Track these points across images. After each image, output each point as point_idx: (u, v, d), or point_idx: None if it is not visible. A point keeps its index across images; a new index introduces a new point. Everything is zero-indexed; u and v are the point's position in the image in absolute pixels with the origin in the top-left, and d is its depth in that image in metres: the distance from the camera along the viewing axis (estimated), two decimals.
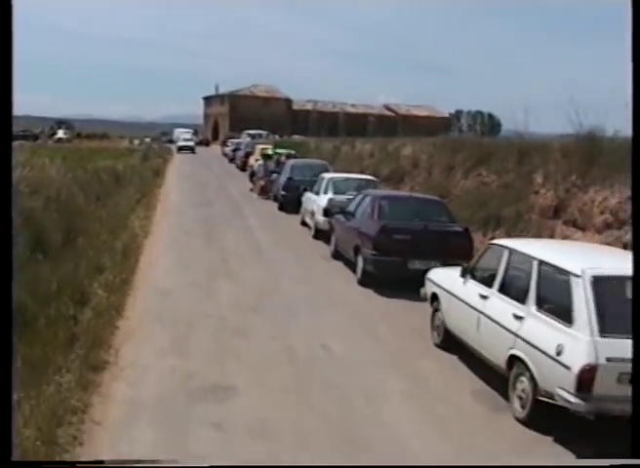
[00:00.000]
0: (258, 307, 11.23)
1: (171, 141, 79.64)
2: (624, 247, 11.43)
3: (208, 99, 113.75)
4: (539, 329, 7.06)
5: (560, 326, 6.78)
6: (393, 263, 12.16)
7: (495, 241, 9.39)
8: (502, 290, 7.96)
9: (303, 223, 20.09)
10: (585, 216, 13.16)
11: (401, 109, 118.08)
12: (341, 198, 16.86)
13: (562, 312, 6.87)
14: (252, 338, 9.65)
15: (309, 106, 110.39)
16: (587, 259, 7.40)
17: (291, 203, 22.07)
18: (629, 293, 6.40)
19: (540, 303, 7.23)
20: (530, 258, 7.58)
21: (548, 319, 7.02)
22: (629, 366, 6.13)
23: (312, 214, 18.51)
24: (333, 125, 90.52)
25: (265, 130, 71.80)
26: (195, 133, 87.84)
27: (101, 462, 4.67)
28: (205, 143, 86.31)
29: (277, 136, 64.37)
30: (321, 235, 17.50)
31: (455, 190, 18.93)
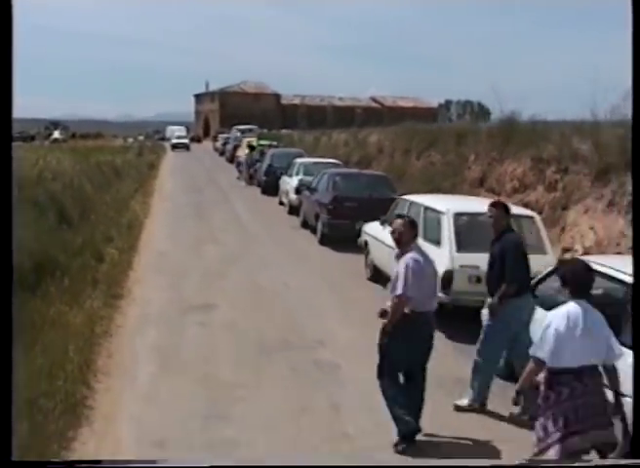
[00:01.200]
0: (236, 261, 14.39)
1: (163, 139, 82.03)
2: (525, 205, 14.61)
3: (198, 97, 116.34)
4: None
5: (435, 248, 9.92)
6: (344, 225, 15.28)
7: (401, 196, 12.54)
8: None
9: (281, 203, 23.22)
10: (500, 184, 16.35)
11: (387, 101, 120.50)
12: (310, 179, 19.94)
13: (435, 239, 10.04)
14: (230, 279, 12.82)
15: (297, 101, 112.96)
16: (454, 204, 10.60)
17: (271, 186, 25.21)
18: (479, 224, 9.56)
19: (426, 235, 10.36)
20: (419, 205, 10.76)
21: (429, 245, 10.16)
22: (477, 270, 9.34)
23: (287, 193, 21.65)
24: (321, 118, 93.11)
25: (255, 125, 73.83)
26: (187, 130, 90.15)
27: (99, 462, 4.64)
28: (197, 140, 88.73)
29: (266, 131, 66.71)
30: (294, 211, 20.59)
31: (410, 170, 22.06)
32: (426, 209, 10.56)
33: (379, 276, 12.37)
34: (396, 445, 6.25)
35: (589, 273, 5.15)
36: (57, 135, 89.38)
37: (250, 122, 78.47)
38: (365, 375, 7.20)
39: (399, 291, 6.26)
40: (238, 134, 57.18)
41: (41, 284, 10.65)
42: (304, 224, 18.58)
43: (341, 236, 15.48)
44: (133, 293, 11.71)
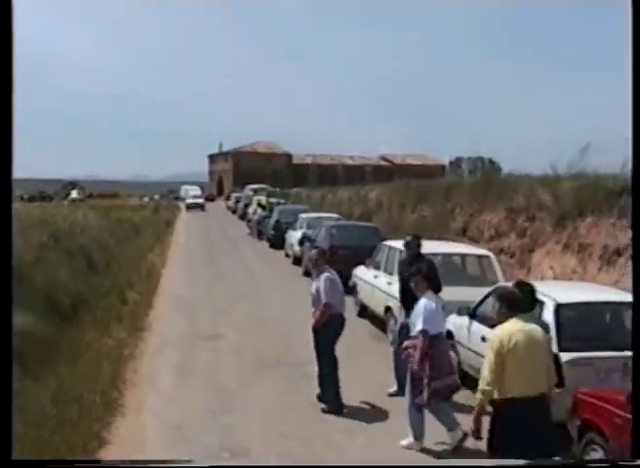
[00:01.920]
0: (241, 300, 16.36)
1: (177, 198, 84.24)
2: (500, 250, 16.58)
3: (212, 157, 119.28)
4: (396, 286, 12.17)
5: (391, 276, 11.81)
6: (338, 271, 17.18)
7: (382, 243, 14.49)
8: (385, 269, 13.06)
9: (287, 255, 25.19)
10: (479, 232, 18.30)
11: (397, 159, 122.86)
12: (312, 232, 21.95)
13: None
14: (236, 314, 14.77)
15: (309, 160, 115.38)
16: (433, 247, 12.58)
17: (278, 240, 27.22)
18: (450, 262, 11.51)
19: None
20: (394, 248, 12.72)
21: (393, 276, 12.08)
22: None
23: (291, 245, 23.66)
24: (332, 177, 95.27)
25: (267, 184, 75.66)
26: (202, 189, 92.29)
27: (98, 462, 4.60)
28: (210, 199, 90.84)
29: (278, 190, 68.70)
30: (297, 261, 22.53)
31: (405, 222, 24.04)
32: (399, 250, 12.53)
33: (364, 312, 14.27)
34: (328, 411, 8.87)
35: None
36: (74, 194, 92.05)
37: (262, 181, 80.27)
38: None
39: (324, 300, 8.88)
40: (250, 192, 59.43)
41: (77, 316, 12.66)
42: (306, 273, 20.45)
43: None
44: (153, 327, 13.63)
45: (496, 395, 5.69)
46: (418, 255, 9.89)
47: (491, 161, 44.72)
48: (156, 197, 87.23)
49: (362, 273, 14.31)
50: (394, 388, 9.39)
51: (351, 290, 15.18)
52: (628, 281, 11.76)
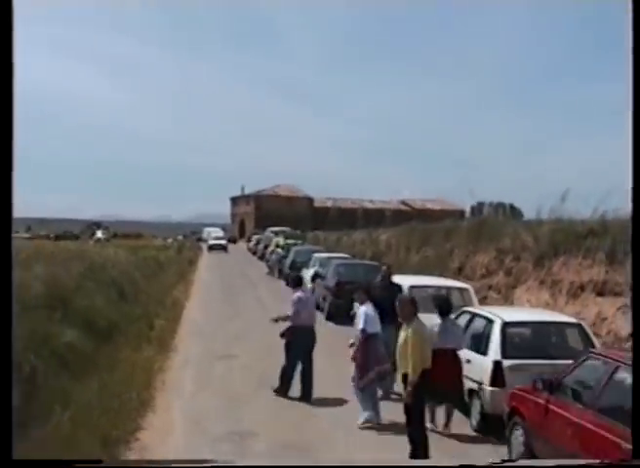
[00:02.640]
0: (254, 330, 18.26)
1: (200, 240, 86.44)
2: (489, 287, 18.46)
3: (234, 200, 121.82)
4: None
5: None
6: (344, 304, 19.13)
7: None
8: None
9: None
10: (473, 271, 20.20)
11: (416, 204, 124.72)
12: (323, 269, 23.96)
13: None
14: (249, 340, 16.69)
15: (329, 204, 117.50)
16: (414, 281, 14.53)
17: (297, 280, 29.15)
18: (421, 292, 13.46)
19: None
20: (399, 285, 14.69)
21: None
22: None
23: (304, 282, 25.63)
24: (352, 220, 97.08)
25: (288, 227, 77.01)
26: (224, 231, 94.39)
27: (98, 462, 4.76)
28: (232, 241, 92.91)
29: (298, 232, 70.47)
30: None
31: (410, 262, 25.97)
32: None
33: None
34: (276, 390, 11.71)
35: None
36: (100, 234, 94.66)
37: (283, 224, 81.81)
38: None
39: (288, 313, 11.91)
40: (270, 234, 61.47)
41: (112, 337, 14.70)
42: (317, 306, 22.41)
43: (343, 312, 19.29)
44: (177, 348, 15.63)
45: (411, 370, 8.19)
46: (390, 282, 12.17)
47: (512, 207, 46.15)
48: (179, 238, 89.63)
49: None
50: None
51: (352, 318, 17.09)
52: (589, 311, 13.70)
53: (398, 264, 25.41)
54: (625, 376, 6.63)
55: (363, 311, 10.40)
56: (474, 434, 9.90)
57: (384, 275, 13.45)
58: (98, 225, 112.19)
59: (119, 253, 26.08)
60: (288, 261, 31.34)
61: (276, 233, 66.12)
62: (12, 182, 4.15)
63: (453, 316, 10.77)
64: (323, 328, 19.17)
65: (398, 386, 9.83)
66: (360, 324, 10.25)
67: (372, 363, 10.07)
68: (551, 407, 7.57)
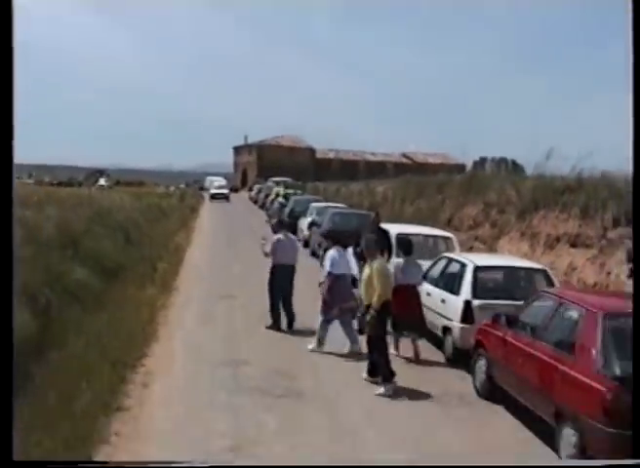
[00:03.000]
0: (253, 272, 19.33)
1: (202, 189, 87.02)
2: (475, 238, 19.45)
3: (237, 149, 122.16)
4: None
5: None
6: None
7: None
8: None
9: (299, 239, 28.15)
10: (461, 223, 21.20)
11: (418, 157, 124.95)
12: (319, 218, 24.92)
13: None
14: (248, 281, 17.75)
15: (332, 155, 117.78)
16: (402, 229, 15.52)
17: (292, 226, 30.19)
18: (418, 241, 14.46)
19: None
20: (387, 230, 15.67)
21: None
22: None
23: (302, 230, 26.65)
24: (353, 172, 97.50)
25: (290, 177, 77.29)
26: (226, 180, 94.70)
27: (99, 463, 4.75)
28: (234, 190, 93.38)
29: (298, 183, 70.94)
30: (307, 244, 25.50)
31: (404, 214, 26.95)
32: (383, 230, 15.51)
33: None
34: (268, 327, 12.87)
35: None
36: (102, 182, 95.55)
37: (285, 174, 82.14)
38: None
39: (267, 251, 13.19)
40: (272, 184, 62.17)
41: (119, 276, 15.78)
42: (313, 253, 23.47)
43: None
44: (179, 289, 16.69)
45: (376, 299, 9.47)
46: (378, 227, 13.21)
47: (514, 162, 46.83)
48: (182, 186, 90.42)
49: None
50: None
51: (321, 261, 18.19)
52: (562, 261, 14.74)
53: (393, 215, 26.38)
54: (567, 311, 7.68)
55: (330, 255, 11.66)
56: (446, 364, 11.05)
57: (373, 221, 15.09)
58: (101, 172, 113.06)
59: (124, 200, 27.10)
60: (287, 210, 32.29)
61: (277, 183, 66.90)
62: (12, 183, 4.00)
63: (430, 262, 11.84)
64: (318, 272, 20.33)
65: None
66: (327, 267, 11.55)
67: (336, 301, 11.27)
68: (508, 339, 8.63)
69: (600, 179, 15.89)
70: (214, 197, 63.95)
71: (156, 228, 26.84)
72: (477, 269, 10.82)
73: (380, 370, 9.55)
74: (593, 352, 6.88)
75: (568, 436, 7.01)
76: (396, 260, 11.98)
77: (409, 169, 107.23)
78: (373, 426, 8.26)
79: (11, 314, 4.13)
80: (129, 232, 20.80)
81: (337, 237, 18.75)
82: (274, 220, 14.93)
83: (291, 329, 13.01)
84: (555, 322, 7.86)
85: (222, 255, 23.02)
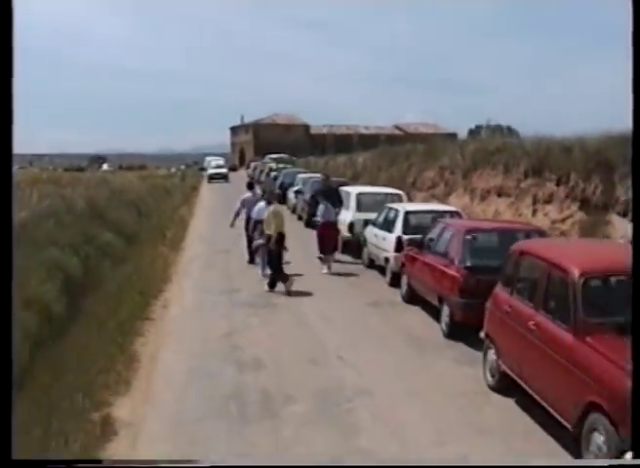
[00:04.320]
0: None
1: (202, 169, 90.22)
2: (432, 196, 23.10)
3: (234, 129, 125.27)
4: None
5: (345, 210, 18.47)
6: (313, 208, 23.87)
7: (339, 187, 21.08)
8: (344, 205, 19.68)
9: (288, 208, 31.87)
10: (422, 184, 24.86)
11: (409, 128, 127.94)
12: (304, 187, 28.56)
13: (347, 205, 18.62)
14: (242, 243, 21.47)
15: (326, 130, 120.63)
16: (359, 189, 19.19)
17: (282, 197, 33.88)
18: (370, 198, 18.17)
19: (345, 204, 18.91)
20: (346, 191, 19.30)
21: (344, 210, 18.73)
22: (366, 218, 17.82)
23: (290, 199, 30.34)
24: (347, 146, 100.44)
25: (286, 153, 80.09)
26: (225, 160, 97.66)
27: (99, 462, 4.87)
28: (233, 169, 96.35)
29: (294, 158, 73.89)
30: (294, 211, 29.16)
31: (379, 179, 30.58)
32: (346, 192, 19.13)
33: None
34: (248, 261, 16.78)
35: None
36: (106, 167, 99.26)
37: (281, 151, 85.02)
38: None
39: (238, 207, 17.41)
40: (267, 161, 65.48)
41: (136, 240, 19.52)
42: (300, 218, 27.16)
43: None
44: (185, 249, 20.44)
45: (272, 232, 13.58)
46: (328, 187, 16.88)
47: (509, 128, 49.81)
48: (182, 167, 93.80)
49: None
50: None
51: None
52: (491, 208, 18.42)
53: (370, 181, 30.02)
54: (446, 231, 11.40)
55: (257, 207, 16.11)
56: (387, 286, 14.79)
57: (324, 181, 19.41)
58: (103, 159, 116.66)
59: (132, 181, 30.85)
60: (278, 182, 35.94)
61: (274, 159, 70.26)
62: (11, 179, 3.90)
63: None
64: (302, 232, 24.07)
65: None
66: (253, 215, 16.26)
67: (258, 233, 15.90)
68: (417, 257, 12.36)
69: (516, 141, 19.69)
70: (212, 178, 61.60)
71: (162, 204, 30.58)
72: (407, 213, 14.56)
73: (278, 278, 14.13)
74: (455, 254, 10.63)
75: (444, 311, 10.77)
76: (321, 206, 16.79)
77: (401, 140, 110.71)
78: (323, 320, 12.04)
79: (10, 314, 3.96)
80: (140, 207, 24.55)
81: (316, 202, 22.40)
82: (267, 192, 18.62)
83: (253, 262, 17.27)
84: (441, 240, 11.59)
85: (220, 223, 26.61)
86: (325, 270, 16.22)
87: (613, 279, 7.28)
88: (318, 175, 31.51)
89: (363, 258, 16.99)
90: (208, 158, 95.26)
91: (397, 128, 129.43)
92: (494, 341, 8.40)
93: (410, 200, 20.93)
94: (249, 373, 9.23)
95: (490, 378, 8.54)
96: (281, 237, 14.45)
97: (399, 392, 8.57)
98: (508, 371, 8.00)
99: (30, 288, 10.59)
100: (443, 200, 22.29)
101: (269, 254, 14.64)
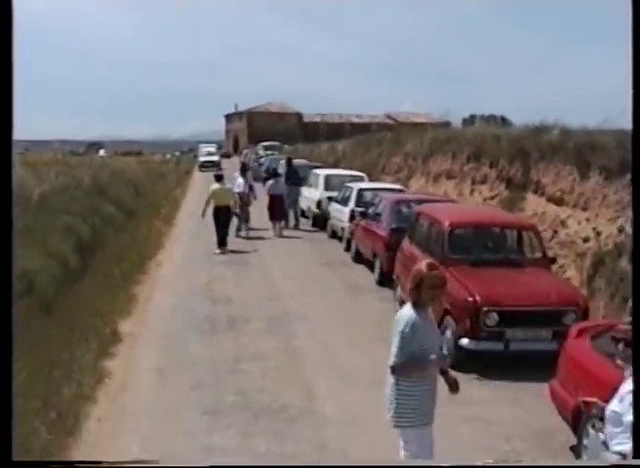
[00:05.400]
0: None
1: (196, 156, 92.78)
2: (397, 180, 26.05)
3: (228, 117, 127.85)
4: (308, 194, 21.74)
5: (314, 189, 21.44)
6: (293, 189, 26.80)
7: (311, 170, 23.99)
8: (313, 185, 22.61)
9: None
10: (390, 169, 27.80)
11: (400, 117, 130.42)
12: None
13: (316, 185, 21.59)
14: None
15: (318, 119, 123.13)
16: (327, 171, 22.18)
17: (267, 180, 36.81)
18: (336, 178, 21.15)
19: (311, 184, 21.84)
20: (316, 173, 22.25)
21: (313, 188, 21.66)
22: (331, 195, 20.76)
23: None
24: (339, 134, 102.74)
25: (278, 141, 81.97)
26: (219, 147, 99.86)
27: (99, 462, 4.66)
28: (227, 156, 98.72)
29: (279, 145, 76.02)
30: None
31: (355, 164, 33.46)
32: (315, 174, 22.07)
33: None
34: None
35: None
36: (102, 153, 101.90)
37: (274, 139, 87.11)
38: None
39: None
40: (258, 148, 68.27)
41: (134, 214, 22.47)
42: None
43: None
44: (177, 224, 23.37)
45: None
46: (290, 168, 19.91)
47: (502, 118, 50.90)
48: (177, 153, 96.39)
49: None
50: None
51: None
52: (440, 189, 21.36)
53: (348, 166, 32.94)
54: (381, 202, 14.35)
55: (238, 182, 19.47)
56: (342, 251, 17.74)
57: (287, 163, 23.08)
58: (99, 145, 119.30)
59: (130, 164, 33.79)
60: (264, 167, 38.91)
61: (265, 147, 72.98)
62: (11, 176, 3.74)
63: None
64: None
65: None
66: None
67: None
68: (361, 224, 15.33)
69: (464, 130, 22.78)
70: (203, 166, 56.55)
71: (157, 186, 33.54)
72: (360, 190, 17.54)
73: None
74: (385, 219, 13.61)
75: (377, 264, 13.78)
76: (271, 181, 20.82)
77: (392, 129, 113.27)
78: (283, 274, 15.04)
79: (10, 314, 3.89)
80: (137, 187, 27.47)
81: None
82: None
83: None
84: (377, 209, 14.56)
85: None
86: (273, 233, 19.93)
87: (470, 229, 10.28)
88: (301, 160, 34.60)
89: (327, 230, 19.97)
90: (201, 145, 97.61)
91: (389, 117, 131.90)
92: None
93: (376, 181, 23.82)
94: (220, 306, 12.22)
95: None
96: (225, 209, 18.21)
97: (329, 318, 11.59)
98: None
99: (52, 244, 13.52)
100: (405, 182, 25.21)
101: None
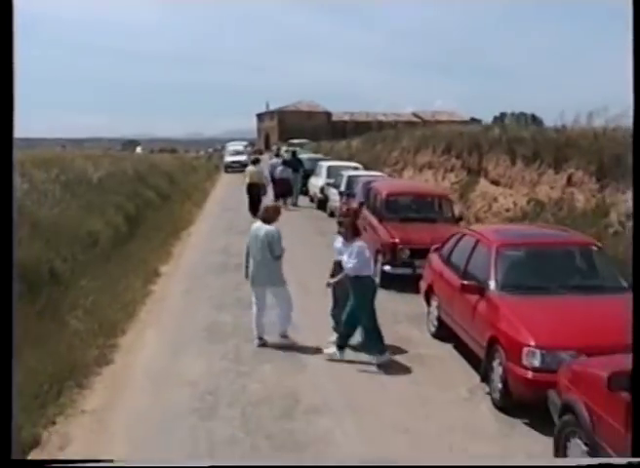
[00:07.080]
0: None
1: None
2: (394, 171, 30.35)
3: (260, 116, 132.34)
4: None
5: (318, 177, 25.82)
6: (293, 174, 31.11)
7: (319, 162, 28.32)
8: (313, 175, 26.98)
9: None
10: (390, 161, 32.06)
11: (426, 115, 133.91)
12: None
13: (319, 174, 25.98)
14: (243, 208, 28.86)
15: (346, 117, 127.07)
16: (329, 162, 26.56)
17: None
18: (345, 172, 25.53)
19: (315, 173, 26.23)
20: (321, 165, 26.61)
21: (317, 176, 26.04)
22: (333, 185, 25.21)
23: None
24: (366, 132, 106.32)
25: (308, 139, 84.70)
26: (251, 145, 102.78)
27: (98, 461, 4.91)
28: (259, 153, 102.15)
29: (315, 144, 79.06)
30: None
31: (364, 158, 37.78)
32: (320, 165, 26.44)
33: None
34: None
35: None
36: (139, 150, 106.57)
37: (304, 137, 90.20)
38: None
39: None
40: (286, 146, 72.11)
41: (169, 199, 27.03)
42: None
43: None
44: (205, 207, 27.88)
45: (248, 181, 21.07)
46: (294, 157, 24.43)
47: (533, 116, 52.16)
48: (210, 150, 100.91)
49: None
50: None
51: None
52: (424, 178, 25.65)
53: (359, 160, 37.27)
54: (357, 184, 18.65)
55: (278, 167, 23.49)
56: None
57: (292, 154, 28.26)
58: (136, 143, 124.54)
59: (165, 158, 38.48)
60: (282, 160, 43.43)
61: (291, 144, 76.67)
62: (12, 174, 3.85)
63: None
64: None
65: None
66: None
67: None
68: (346, 202, 19.62)
69: (439, 128, 27.10)
70: (229, 167, 51.18)
71: (189, 178, 38.17)
72: (348, 177, 21.95)
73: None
74: (358, 195, 17.91)
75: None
76: (280, 167, 24.96)
77: (417, 126, 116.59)
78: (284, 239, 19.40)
79: (11, 314, 3.81)
80: (172, 177, 32.08)
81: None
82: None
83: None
84: (355, 190, 18.86)
85: (234, 193, 34.14)
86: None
87: (402, 198, 14.67)
88: (316, 155, 38.99)
89: (327, 210, 24.31)
90: (229, 143, 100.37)
91: (415, 115, 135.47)
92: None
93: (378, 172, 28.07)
94: (232, 258, 16.66)
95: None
96: (255, 186, 23.12)
97: (307, 257, 15.98)
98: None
99: (108, 215, 18.03)
100: (400, 173, 29.51)
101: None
